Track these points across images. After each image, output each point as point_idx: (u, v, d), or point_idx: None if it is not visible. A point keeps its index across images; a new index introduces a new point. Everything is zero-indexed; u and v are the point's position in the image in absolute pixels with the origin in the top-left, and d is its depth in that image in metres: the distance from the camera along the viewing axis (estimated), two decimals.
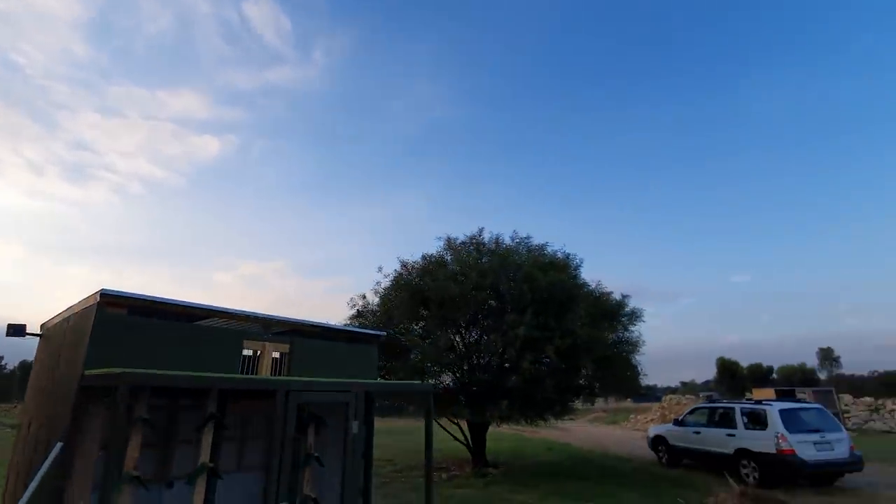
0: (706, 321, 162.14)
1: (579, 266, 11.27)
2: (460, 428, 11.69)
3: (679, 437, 11.50)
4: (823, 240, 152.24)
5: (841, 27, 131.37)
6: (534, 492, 8.60)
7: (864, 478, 9.33)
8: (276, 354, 4.50)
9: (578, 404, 12.51)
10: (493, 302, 10.50)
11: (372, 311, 11.60)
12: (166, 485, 4.12)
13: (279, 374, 4.37)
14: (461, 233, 12.23)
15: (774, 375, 67.60)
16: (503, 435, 19.70)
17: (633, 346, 10.72)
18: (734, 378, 64.04)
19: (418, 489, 9.09)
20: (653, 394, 59.93)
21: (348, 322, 11.38)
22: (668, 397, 33.50)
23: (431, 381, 11.09)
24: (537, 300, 9.49)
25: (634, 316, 10.85)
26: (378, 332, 4.70)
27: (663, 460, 12.03)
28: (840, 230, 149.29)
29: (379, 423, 15.13)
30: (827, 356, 79.72)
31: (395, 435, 18.21)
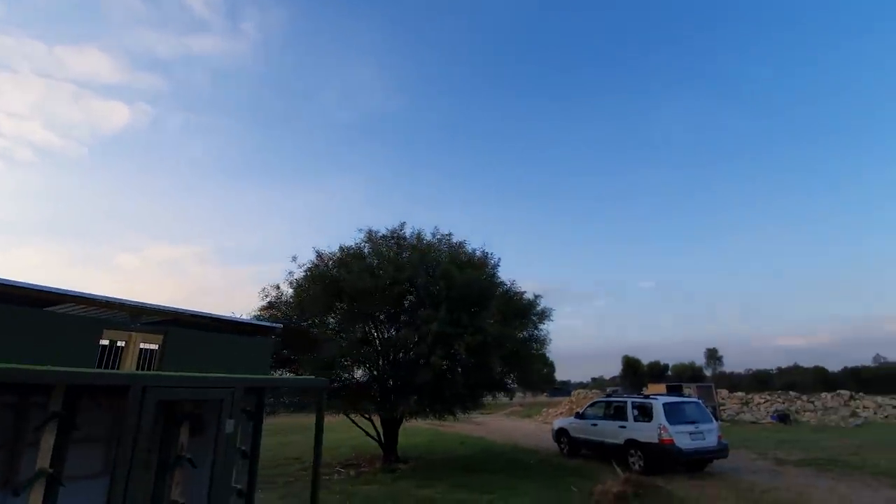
0: (617, 322, 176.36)
1: (497, 265, 11.61)
2: (373, 424, 11.53)
3: (579, 429, 12.27)
4: (715, 253, 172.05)
5: (739, 63, 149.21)
6: (440, 486, 8.68)
7: (729, 464, 10.59)
8: (150, 346, 4.05)
9: (494, 399, 12.90)
10: (411, 297, 10.47)
11: (285, 302, 11.04)
12: (13, 492, 3.57)
13: (150, 369, 3.93)
14: (384, 226, 12.09)
15: (669, 372, 75.41)
16: (419, 430, 19.79)
17: (542, 343, 11.27)
18: (636, 374, 70.43)
19: (322, 488, 8.80)
20: (567, 388, 63.90)
21: (258, 313, 10.73)
22: (577, 392, 35.84)
23: (346, 376, 10.87)
24: (453, 297, 9.61)
25: (544, 315, 11.38)
26: (272, 325, 4.41)
27: (565, 451, 12.76)
28: (728, 245, 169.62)
29: (289, 420, 14.66)
30: (712, 356, 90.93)
31: (308, 432, 17.56)
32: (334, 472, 10.15)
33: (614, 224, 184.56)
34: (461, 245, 11.70)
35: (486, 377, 9.78)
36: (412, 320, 9.96)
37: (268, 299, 11.01)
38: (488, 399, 12.28)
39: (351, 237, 12.09)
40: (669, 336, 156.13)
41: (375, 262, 10.77)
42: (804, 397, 26.37)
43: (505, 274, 13.95)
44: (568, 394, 42.66)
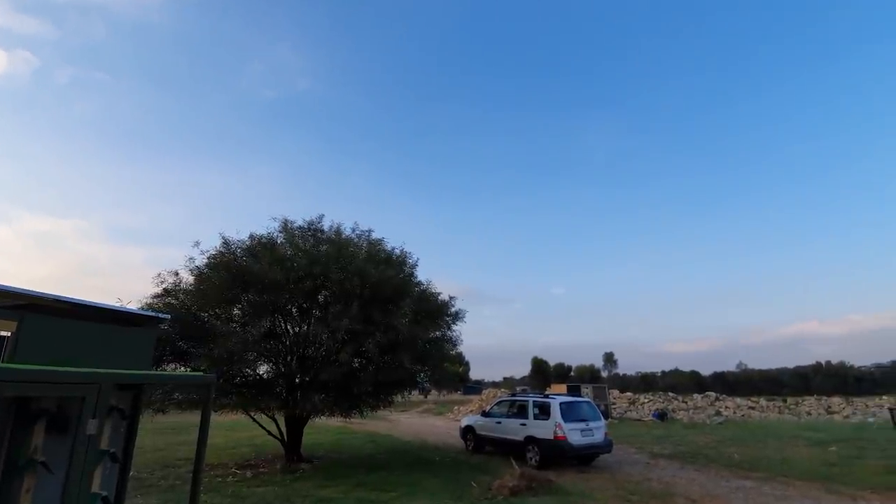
0: (530, 324, 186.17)
1: (415, 265, 11.68)
2: (276, 423, 11.02)
3: (484, 426, 12.78)
4: (619, 265, 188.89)
5: (655, 93, 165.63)
6: (342, 485, 8.54)
7: (613, 458, 11.67)
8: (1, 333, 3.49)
9: (406, 397, 12.94)
10: (325, 292, 10.17)
11: (184, 290, 10.15)
12: None
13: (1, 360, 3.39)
14: (301, 217, 11.61)
15: (573, 373, 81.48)
16: (327, 428, 19.30)
17: (454, 343, 11.57)
18: (543, 375, 75.07)
19: (213, 490, 8.25)
20: (481, 387, 66.18)
21: (151, 301, 9.74)
22: (489, 390, 37.23)
23: (249, 371, 10.25)
24: (367, 294, 9.50)
25: (458, 316, 11.67)
26: (159, 315, 4.01)
27: (470, 448, 13.22)
28: (630, 259, 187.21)
29: (184, 419, 13.49)
30: (609, 359, 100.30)
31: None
32: (229, 474, 9.54)
33: (534, 232, 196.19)
34: (380, 242, 11.59)
35: (397, 375, 9.79)
36: (324, 316, 9.68)
37: (163, 286, 10.06)
38: (400, 397, 12.31)
39: (263, 226, 11.44)
40: (575, 339, 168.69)
41: (289, 253, 10.31)
42: (680, 398, 29.91)
43: (424, 275, 14.15)
44: (481, 392, 44.07)
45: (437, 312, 11.25)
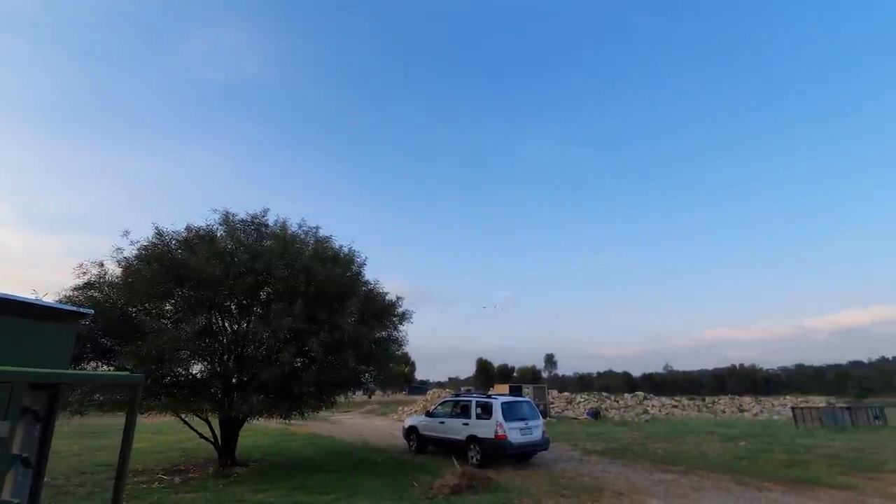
0: (476, 325, 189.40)
1: (363, 264, 11.52)
2: (210, 425, 10.48)
3: (428, 426, 12.86)
4: (557, 269, 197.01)
5: (595, 106, 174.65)
6: (279, 489, 8.28)
7: (550, 455, 12.17)
8: None
9: (349, 398, 12.73)
10: (268, 289, 9.82)
11: (109, 283, 9.39)
12: None
13: None
14: (245, 210, 11.10)
15: (515, 374, 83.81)
16: (266, 430, 18.63)
17: (400, 343, 11.55)
18: (487, 375, 76.63)
19: (136, 497, 7.72)
20: (427, 387, 66.35)
21: (72, 293, 8.93)
22: (433, 391, 37.45)
23: (180, 371, 9.66)
24: (312, 292, 9.29)
25: (405, 317, 11.66)
26: (78, 309, 3.69)
27: (413, 448, 13.24)
28: (573, 264, 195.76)
29: (107, 421, 12.46)
30: (550, 360, 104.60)
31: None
32: (155, 480, 8.96)
33: (482, 236, 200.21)
34: (328, 240, 11.32)
35: (341, 376, 9.63)
36: (266, 314, 9.34)
37: (86, 277, 9.25)
38: (344, 398, 12.08)
39: (202, 217, 10.84)
40: (519, 341, 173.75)
41: (230, 247, 9.86)
42: (613, 397, 31.76)
43: (372, 274, 14.07)
44: (426, 393, 44.19)
45: (383, 312, 11.17)
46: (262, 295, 10.26)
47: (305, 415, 10.83)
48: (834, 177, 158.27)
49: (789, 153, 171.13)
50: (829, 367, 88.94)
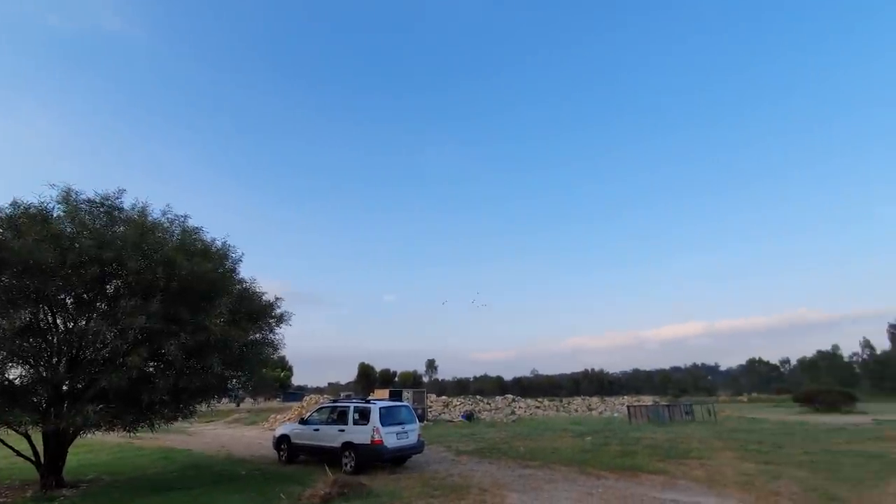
0: (361, 329, 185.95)
1: (239, 260, 10.64)
2: (30, 440, 8.75)
3: (301, 434, 12.30)
4: (443, 276, 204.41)
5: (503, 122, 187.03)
6: None
7: (424, 458, 12.50)
8: None
9: (212, 406, 11.52)
10: (118, 282, 8.52)
11: None
12: None
13: None
14: (94, 188, 9.52)
15: (397, 379, 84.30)
16: (105, 445, 16.13)
17: (275, 347, 10.90)
18: (369, 380, 75.80)
19: None
20: (304, 393, 62.93)
21: None
22: (310, 397, 35.82)
23: None
24: (174, 288, 8.32)
25: (283, 319, 11.03)
26: None
27: (283, 458, 12.54)
28: (455, 270, 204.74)
29: None
30: (431, 365, 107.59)
31: None
32: None
33: (370, 240, 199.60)
34: (197, 231, 10.17)
35: (203, 382, 8.71)
36: (113, 310, 8.10)
37: None
38: (207, 406, 10.90)
39: (34, 193, 8.84)
40: (403, 346, 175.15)
41: (69, 230, 8.38)
42: (486, 400, 33.88)
43: (249, 272, 12.95)
44: (302, 399, 42.07)
45: (259, 313, 10.43)
46: (110, 289, 8.89)
47: (157, 426, 9.60)
48: (665, 220, 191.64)
49: (647, 191, 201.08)
50: (657, 371, 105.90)
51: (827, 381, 53.59)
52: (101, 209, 9.05)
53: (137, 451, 15.34)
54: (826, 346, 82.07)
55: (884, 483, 8.10)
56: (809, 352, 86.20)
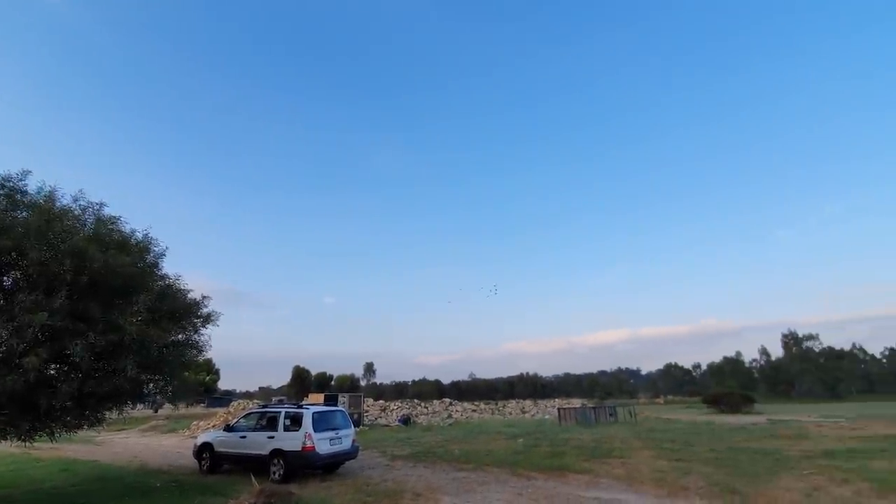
0: (297, 332, 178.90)
1: (162, 255, 9.85)
2: None
3: (226, 442, 11.59)
4: (383, 278, 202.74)
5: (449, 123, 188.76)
6: None
7: (358, 463, 12.26)
8: None
9: (125, 412, 10.45)
10: (17, 273, 7.54)
11: None
12: None
13: None
14: None
15: (334, 382, 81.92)
16: None
17: (200, 349, 10.18)
18: (304, 384, 73.01)
19: None
20: (231, 398, 59.25)
21: None
22: (237, 402, 33.87)
23: None
24: (83, 282, 7.51)
25: (209, 318, 10.34)
26: None
27: (205, 468, 11.74)
28: (395, 273, 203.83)
29: None
30: (369, 368, 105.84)
31: None
32: None
33: (310, 240, 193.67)
34: (115, 221, 9.26)
35: (114, 386, 7.89)
36: (9, 305, 7.17)
37: None
38: (117, 413, 9.90)
39: None
40: (341, 349, 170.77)
41: None
42: (423, 404, 33.89)
43: (174, 268, 12.04)
44: (229, 404, 39.67)
45: (183, 312, 9.68)
46: (7, 281, 7.89)
47: (58, 435, 8.61)
48: (598, 231, 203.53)
49: (577, 207, 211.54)
50: (586, 375, 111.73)
51: (731, 385, 59.03)
52: (1, 191, 7.99)
53: (35, 463, 13.85)
54: (731, 353, 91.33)
55: (776, 478, 9.09)
56: (718, 357, 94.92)
